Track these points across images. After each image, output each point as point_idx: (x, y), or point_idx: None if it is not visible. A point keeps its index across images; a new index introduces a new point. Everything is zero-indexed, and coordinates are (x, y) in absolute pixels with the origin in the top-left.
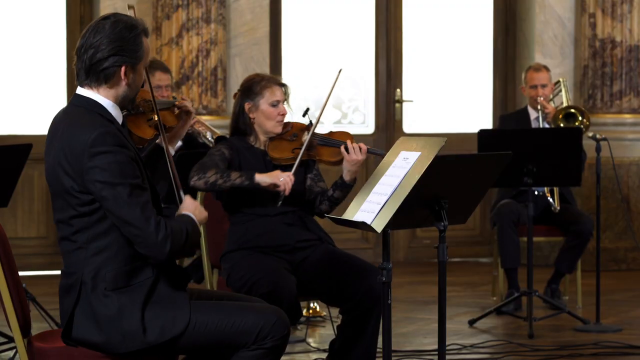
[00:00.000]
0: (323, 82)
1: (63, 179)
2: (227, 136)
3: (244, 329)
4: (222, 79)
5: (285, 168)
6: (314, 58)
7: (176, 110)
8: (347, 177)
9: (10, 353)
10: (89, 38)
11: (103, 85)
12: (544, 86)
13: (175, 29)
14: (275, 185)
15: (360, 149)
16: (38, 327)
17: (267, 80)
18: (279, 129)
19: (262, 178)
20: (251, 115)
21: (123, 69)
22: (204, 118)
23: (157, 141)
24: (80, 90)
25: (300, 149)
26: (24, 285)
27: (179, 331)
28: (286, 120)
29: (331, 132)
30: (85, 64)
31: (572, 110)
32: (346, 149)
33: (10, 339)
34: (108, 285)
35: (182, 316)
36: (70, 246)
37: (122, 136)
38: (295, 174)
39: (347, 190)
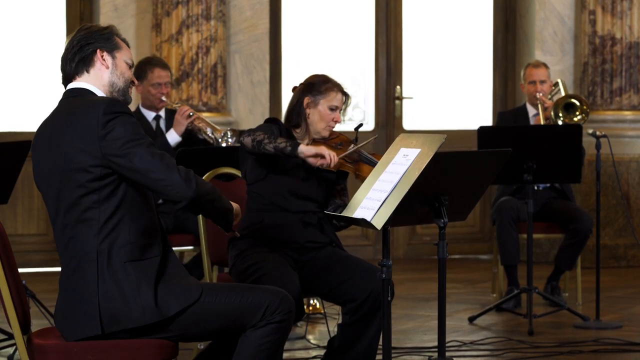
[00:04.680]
0: None
1: (75, 156)
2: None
3: (252, 303)
4: (222, 76)
5: (321, 172)
6: (314, 55)
7: None
8: None
9: (10, 350)
10: (65, 48)
11: (84, 73)
12: (542, 82)
13: (175, 26)
14: (321, 156)
15: None
16: (38, 324)
17: (333, 84)
18: (326, 133)
19: (306, 148)
20: (307, 110)
21: (98, 52)
22: (204, 115)
23: None
24: (71, 84)
25: (343, 156)
26: (23, 282)
27: (195, 299)
28: (335, 129)
29: (374, 154)
30: (68, 65)
31: (572, 101)
32: None
33: (10, 336)
34: (123, 258)
35: (194, 286)
36: (80, 228)
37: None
38: (338, 163)
39: None
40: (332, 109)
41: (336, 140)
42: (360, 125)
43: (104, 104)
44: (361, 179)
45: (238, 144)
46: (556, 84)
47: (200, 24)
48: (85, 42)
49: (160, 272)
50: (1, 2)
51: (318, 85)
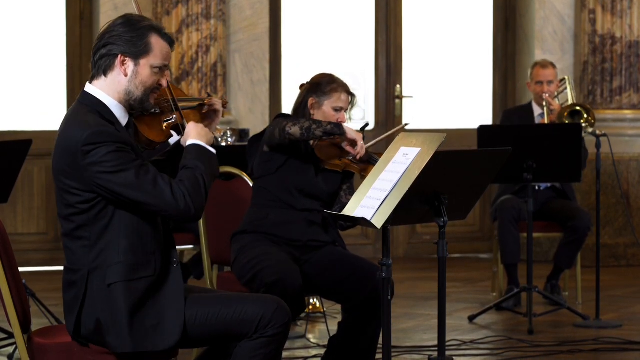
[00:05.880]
0: None
1: (63, 178)
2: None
3: (244, 318)
4: (222, 75)
5: (327, 172)
6: (314, 54)
7: (205, 109)
8: None
9: (10, 349)
10: (99, 34)
11: (102, 77)
12: (549, 83)
13: (175, 25)
14: (354, 144)
15: None
16: (38, 323)
17: (338, 85)
18: None
19: (349, 130)
20: (312, 111)
21: (119, 57)
22: None
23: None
24: (87, 87)
25: (349, 159)
26: (23, 281)
27: (172, 344)
28: None
29: (380, 154)
30: (93, 58)
31: (578, 108)
32: None
33: (10, 335)
34: (111, 278)
35: (176, 325)
36: (73, 243)
37: (116, 132)
38: (344, 164)
39: None
40: (337, 110)
41: (342, 142)
42: (367, 125)
43: (87, 134)
44: (344, 178)
45: (238, 144)
46: (562, 81)
47: (200, 23)
48: (112, 41)
49: (148, 294)
50: (1, 2)
51: (323, 86)
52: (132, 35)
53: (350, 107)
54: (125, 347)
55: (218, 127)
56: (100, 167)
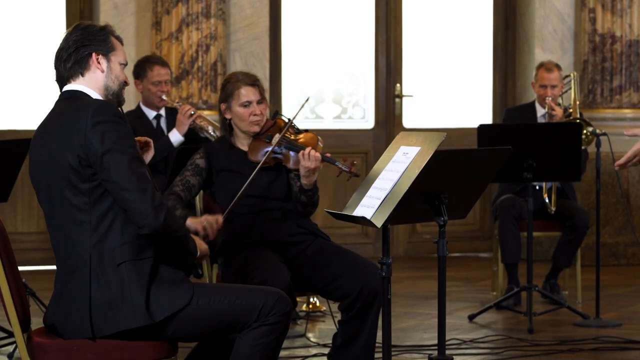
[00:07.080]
0: (323, 77)
1: (67, 156)
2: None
3: (246, 305)
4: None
5: (264, 169)
6: (314, 53)
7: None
8: (302, 181)
9: (10, 348)
10: (60, 46)
11: (80, 77)
12: (553, 87)
13: (175, 24)
14: (203, 230)
15: (311, 156)
16: (38, 322)
17: (237, 80)
18: (255, 129)
19: (189, 222)
20: (227, 116)
21: (94, 55)
22: (204, 113)
23: None
24: (67, 86)
25: (272, 152)
26: (23, 280)
27: (184, 303)
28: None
29: (305, 134)
30: (62, 66)
31: (579, 122)
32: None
33: (10, 334)
34: (120, 258)
35: (185, 290)
36: (70, 229)
37: (121, 111)
38: (253, 181)
39: (309, 194)
40: (246, 105)
41: (266, 134)
42: (276, 113)
43: (94, 107)
44: (287, 168)
45: None
46: (568, 77)
47: (200, 22)
48: (81, 43)
49: (153, 273)
50: (1, 2)
51: (226, 89)
52: (98, 36)
53: (260, 97)
54: (144, 320)
55: (218, 124)
56: (101, 142)
